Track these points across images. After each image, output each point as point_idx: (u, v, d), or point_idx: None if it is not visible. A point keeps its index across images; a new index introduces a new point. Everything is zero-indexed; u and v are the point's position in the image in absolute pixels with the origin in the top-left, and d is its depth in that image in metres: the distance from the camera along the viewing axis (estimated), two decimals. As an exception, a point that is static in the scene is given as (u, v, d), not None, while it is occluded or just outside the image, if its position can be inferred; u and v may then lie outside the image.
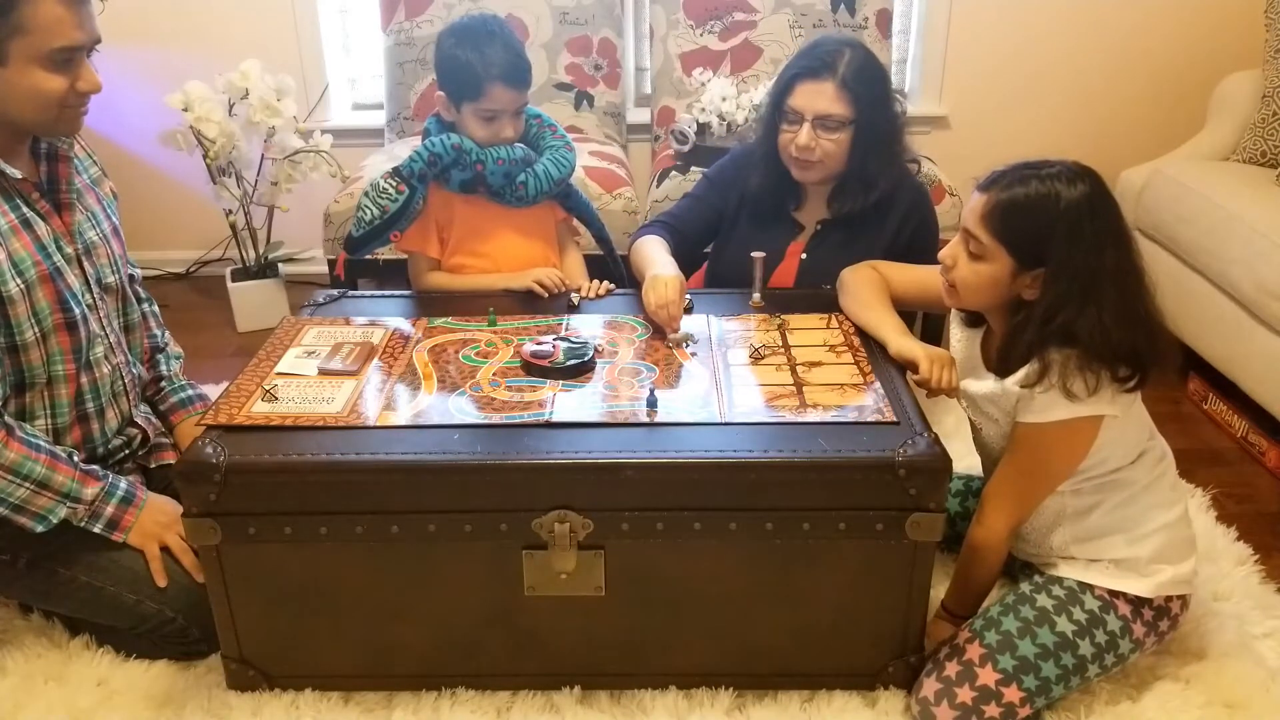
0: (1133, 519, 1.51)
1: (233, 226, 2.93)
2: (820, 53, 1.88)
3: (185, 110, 2.68)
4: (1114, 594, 1.50)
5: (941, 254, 1.54)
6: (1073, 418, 1.42)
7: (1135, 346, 1.41)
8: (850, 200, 1.95)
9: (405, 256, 2.10)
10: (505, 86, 1.86)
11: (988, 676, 1.44)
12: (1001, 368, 1.50)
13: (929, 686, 1.47)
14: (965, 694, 1.44)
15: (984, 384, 1.54)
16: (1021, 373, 1.45)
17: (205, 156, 2.74)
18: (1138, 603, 1.50)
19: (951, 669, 1.46)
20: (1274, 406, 2.20)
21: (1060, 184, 1.40)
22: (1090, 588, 1.50)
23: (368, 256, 2.80)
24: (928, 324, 2.72)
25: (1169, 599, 1.53)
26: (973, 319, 1.62)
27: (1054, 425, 1.43)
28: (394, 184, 1.91)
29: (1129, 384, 1.42)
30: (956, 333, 1.66)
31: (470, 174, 1.91)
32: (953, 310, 1.65)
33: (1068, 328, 1.40)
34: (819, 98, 1.85)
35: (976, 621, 1.51)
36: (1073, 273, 1.40)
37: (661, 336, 1.75)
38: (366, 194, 1.94)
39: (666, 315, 1.74)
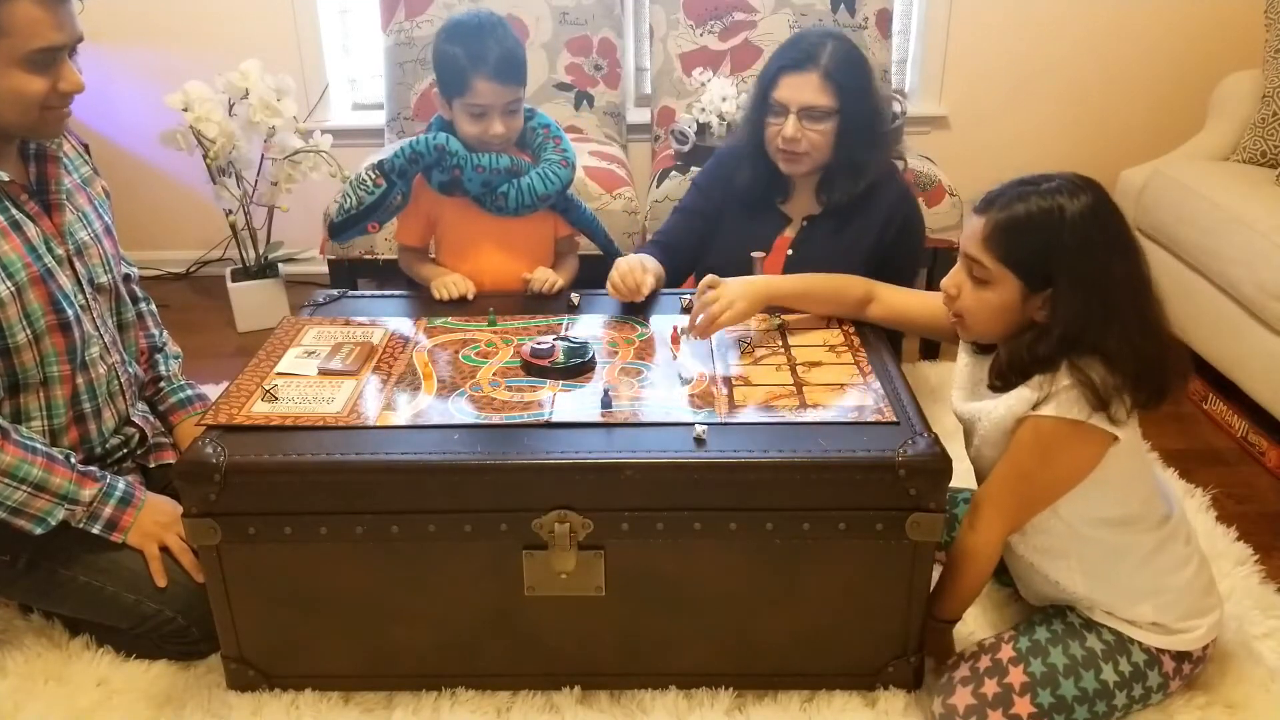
0: (1154, 583, 1.45)
1: (233, 226, 2.93)
2: (803, 45, 1.91)
3: (185, 110, 2.68)
4: (1161, 649, 1.46)
5: (944, 282, 1.48)
6: (1089, 421, 1.34)
7: (1156, 359, 1.35)
8: (839, 189, 1.96)
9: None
10: (490, 81, 1.82)
11: (1023, 707, 1.42)
12: (1005, 381, 1.43)
13: (961, 696, 1.45)
14: (996, 717, 1.42)
15: (985, 403, 1.47)
16: (1035, 380, 1.38)
17: (205, 156, 2.74)
18: (1180, 658, 1.47)
19: (990, 688, 1.44)
20: (1274, 406, 2.20)
21: (1062, 197, 1.34)
22: (1138, 641, 1.46)
23: (367, 256, 2.79)
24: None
25: (1206, 646, 1.50)
26: (983, 345, 1.53)
27: (1068, 424, 1.35)
28: (373, 176, 1.90)
29: (1147, 403, 1.36)
30: (964, 358, 1.58)
31: (448, 176, 1.89)
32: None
33: (1096, 346, 1.34)
34: (803, 89, 1.88)
35: (1022, 641, 1.47)
36: (1088, 288, 1.34)
37: (659, 336, 1.75)
38: (349, 181, 1.94)
39: (634, 282, 1.83)
